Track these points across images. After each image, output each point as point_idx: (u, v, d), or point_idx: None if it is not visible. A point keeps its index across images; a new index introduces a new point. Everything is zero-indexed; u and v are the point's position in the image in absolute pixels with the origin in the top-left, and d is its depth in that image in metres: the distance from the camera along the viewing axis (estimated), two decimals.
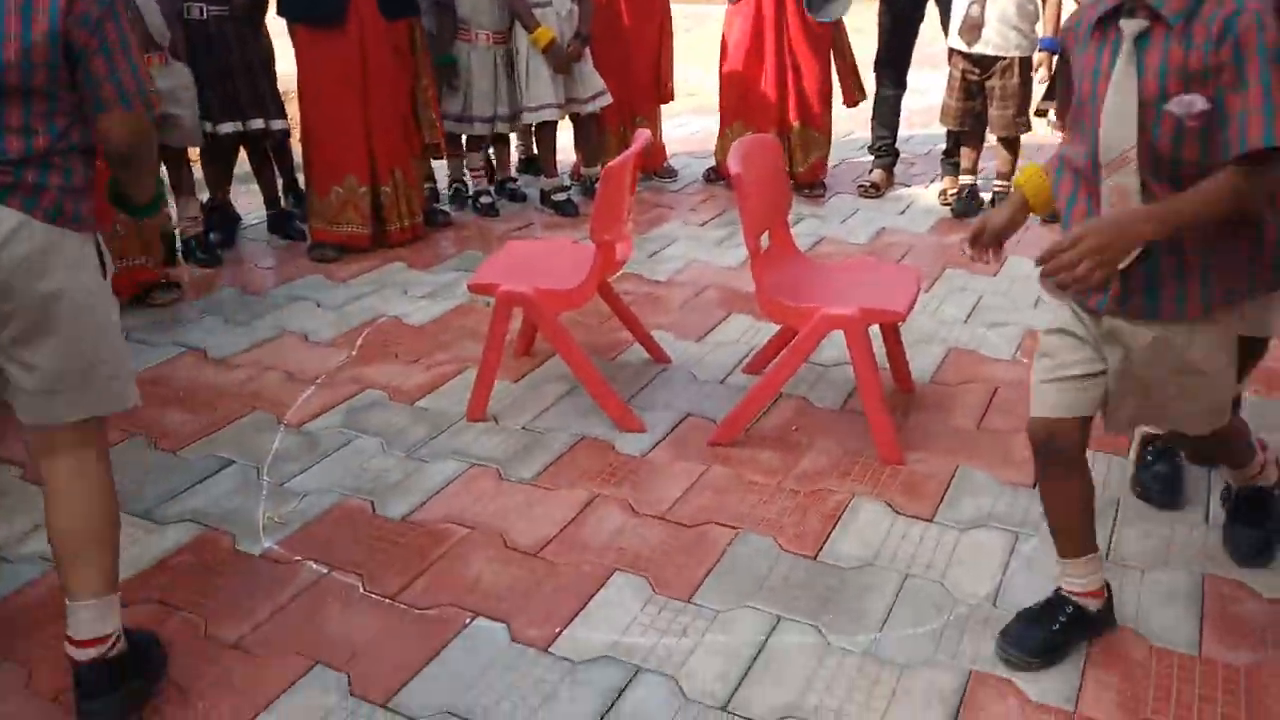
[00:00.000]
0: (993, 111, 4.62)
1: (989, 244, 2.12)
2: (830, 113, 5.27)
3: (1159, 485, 2.58)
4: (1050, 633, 2.07)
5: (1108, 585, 2.15)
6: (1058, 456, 2.05)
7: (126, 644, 2.02)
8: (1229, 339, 1.95)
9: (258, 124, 4.48)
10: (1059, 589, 2.12)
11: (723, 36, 5.31)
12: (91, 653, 1.97)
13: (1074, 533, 2.10)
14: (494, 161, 5.52)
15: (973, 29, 4.43)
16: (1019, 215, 2.12)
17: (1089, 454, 2.13)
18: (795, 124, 5.15)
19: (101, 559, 1.99)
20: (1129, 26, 1.80)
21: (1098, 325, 1.98)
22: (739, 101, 5.23)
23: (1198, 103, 1.73)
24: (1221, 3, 1.72)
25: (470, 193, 5.24)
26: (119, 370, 2.00)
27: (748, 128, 5.24)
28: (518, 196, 5.40)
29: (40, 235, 1.83)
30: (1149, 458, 2.63)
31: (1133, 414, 2.06)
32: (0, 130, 1.78)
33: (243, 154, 4.77)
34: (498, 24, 4.84)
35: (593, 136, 5.29)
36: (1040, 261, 1.78)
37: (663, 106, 5.72)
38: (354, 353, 3.61)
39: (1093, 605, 2.10)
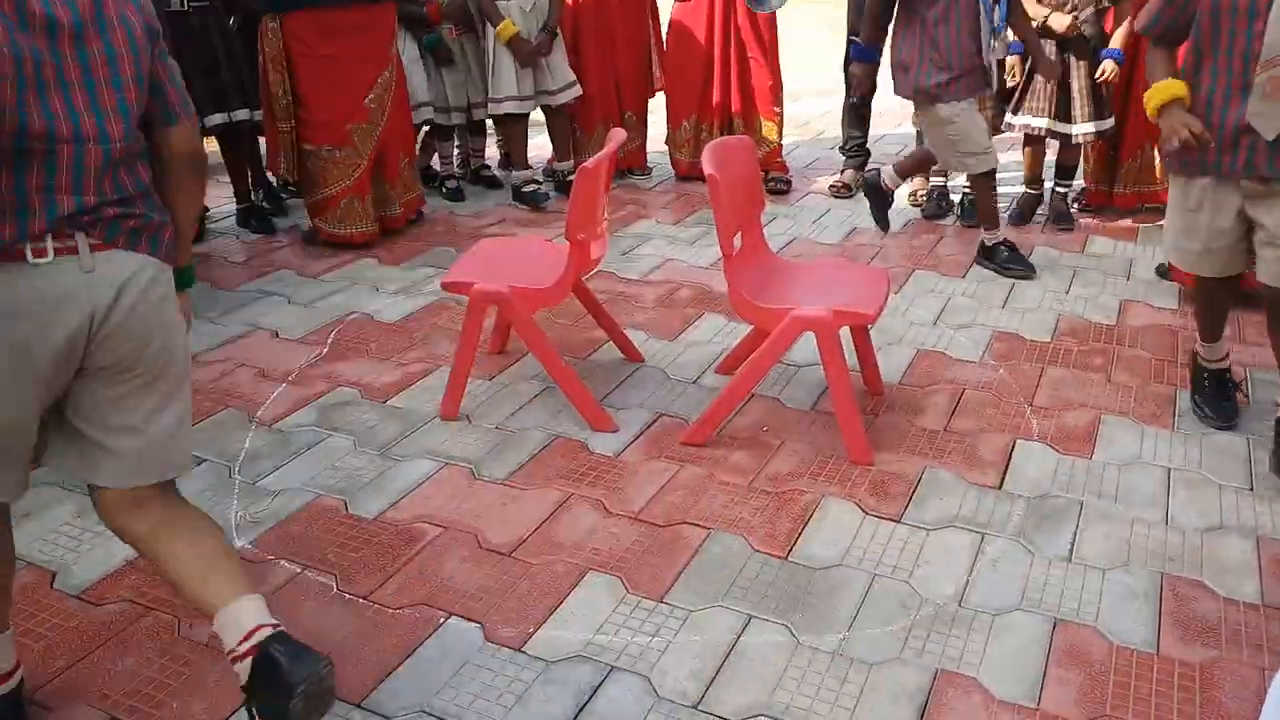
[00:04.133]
0: None
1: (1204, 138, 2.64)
2: (781, 105, 5.39)
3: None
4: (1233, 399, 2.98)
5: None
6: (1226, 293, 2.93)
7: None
8: None
9: (242, 114, 4.47)
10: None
11: (668, 35, 5.38)
12: None
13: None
14: (469, 149, 5.57)
15: None
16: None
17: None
18: (744, 118, 5.29)
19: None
20: None
21: (1235, 192, 2.64)
22: (689, 98, 5.31)
23: None
24: None
25: (439, 178, 5.31)
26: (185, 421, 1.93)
27: (700, 123, 5.33)
28: (494, 184, 5.45)
29: (166, 278, 1.81)
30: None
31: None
32: (130, 178, 1.74)
33: (211, 146, 4.76)
34: (461, 15, 4.90)
35: (564, 130, 5.31)
36: None
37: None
38: (325, 350, 3.61)
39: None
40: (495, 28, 4.80)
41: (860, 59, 4.32)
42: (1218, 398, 3.02)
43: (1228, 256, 2.77)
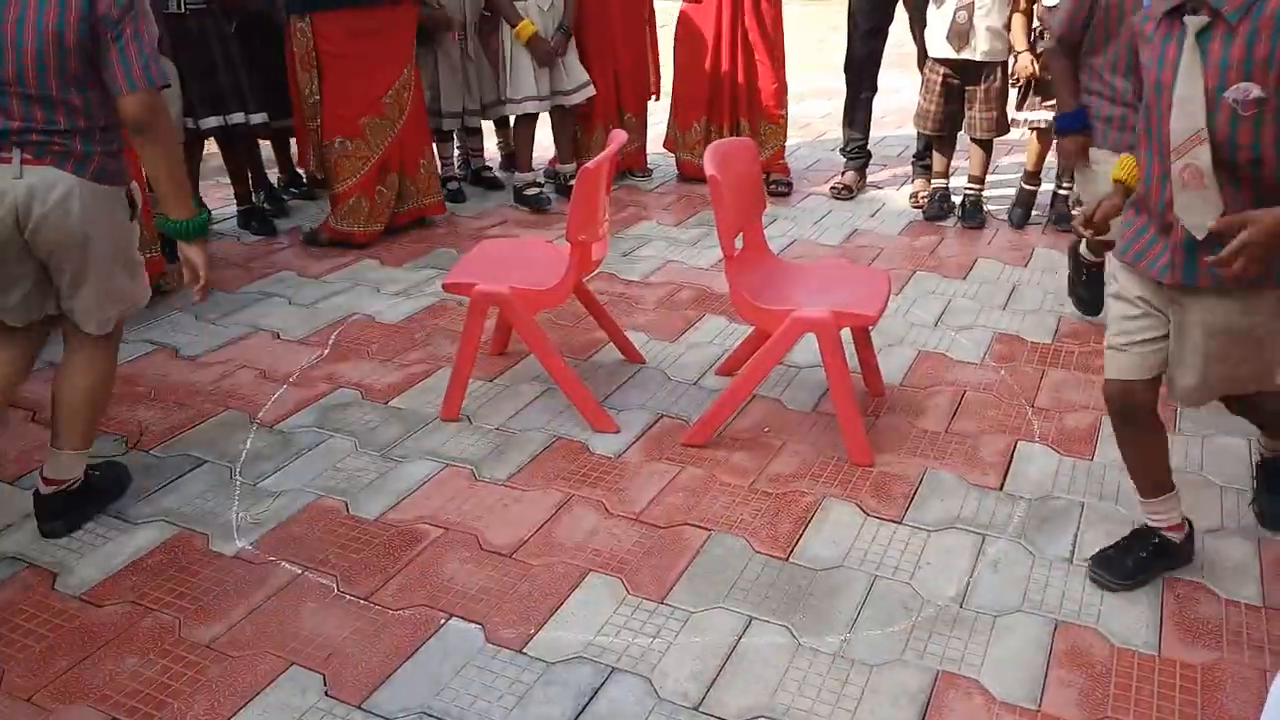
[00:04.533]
0: (974, 114, 4.68)
1: (1101, 229, 2.33)
2: (786, 106, 5.43)
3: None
4: (1138, 559, 2.34)
5: (1188, 521, 2.39)
6: (1131, 414, 2.28)
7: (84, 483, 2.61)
8: None
9: (238, 117, 4.48)
10: (1145, 523, 2.37)
11: (676, 35, 5.38)
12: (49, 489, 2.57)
13: (1151, 477, 2.35)
14: (468, 150, 5.58)
15: (961, 35, 4.51)
16: (1121, 203, 2.32)
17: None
18: (749, 118, 5.31)
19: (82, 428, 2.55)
20: (1192, 22, 1.99)
21: (1159, 292, 2.19)
22: (700, 99, 5.32)
23: (1252, 90, 1.92)
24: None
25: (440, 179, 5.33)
26: (135, 287, 2.56)
27: (710, 125, 5.33)
28: (495, 185, 5.45)
29: (92, 195, 2.33)
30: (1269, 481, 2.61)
31: (1196, 384, 2.20)
32: (49, 110, 2.27)
33: (213, 147, 4.78)
34: (460, 21, 4.89)
35: (571, 132, 5.31)
36: (1213, 232, 1.98)
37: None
38: (326, 351, 3.61)
39: (1175, 537, 2.36)
40: (513, 27, 4.80)
41: (1068, 129, 3.36)
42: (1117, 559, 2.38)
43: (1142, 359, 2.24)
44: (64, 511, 2.57)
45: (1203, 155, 1.99)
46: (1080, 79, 3.33)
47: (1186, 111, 2.00)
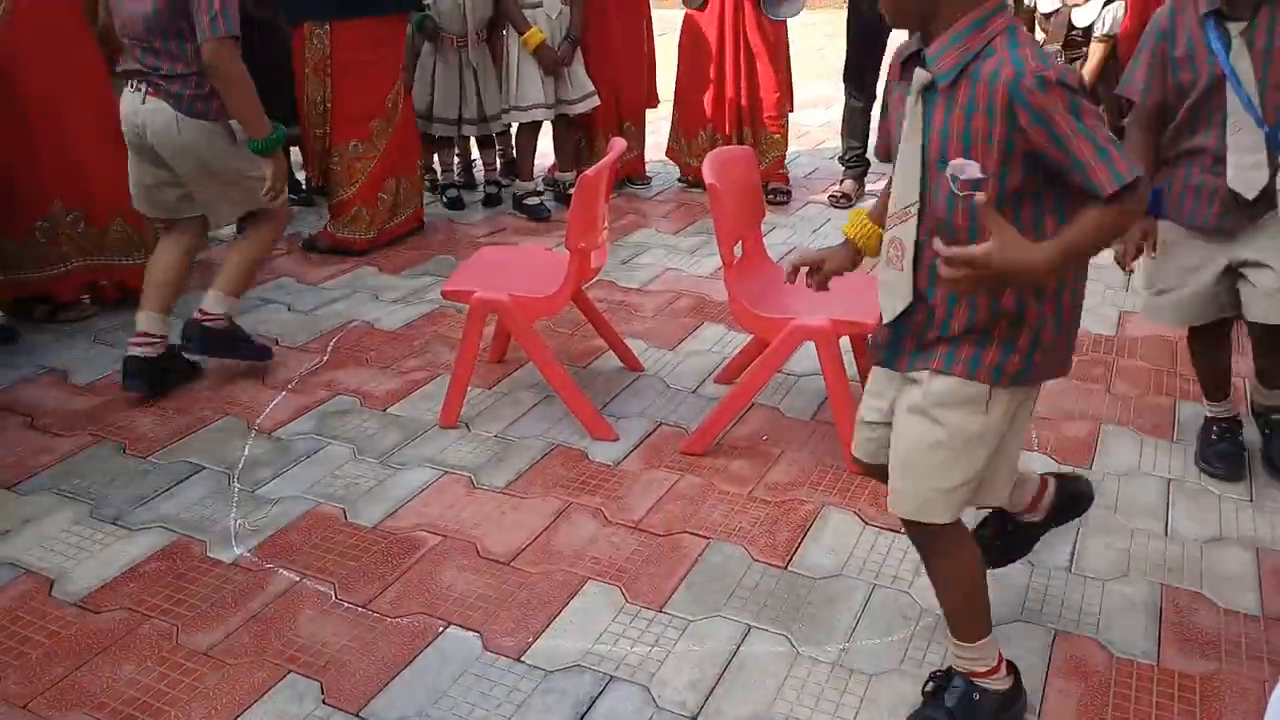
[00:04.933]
0: None
1: (820, 283, 2.08)
2: (788, 115, 5.44)
3: (1223, 462, 2.77)
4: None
5: (1011, 665, 2.00)
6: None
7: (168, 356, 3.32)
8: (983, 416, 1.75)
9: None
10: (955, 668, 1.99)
11: (681, 42, 5.38)
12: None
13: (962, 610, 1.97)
14: (474, 160, 5.59)
15: None
16: (850, 261, 2.09)
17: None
18: (751, 127, 5.33)
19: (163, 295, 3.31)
20: (917, 77, 1.65)
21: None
22: (703, 106, 5.32)
23: (969, 169, 1.56)
24: (998, 64, 1.57)
25: (440, 184, 5.36)
26: (253, 197, 3.28)
27: (715, 133, 5.34)
28: (494, 202, 5.38)
29: (186, 124, 3.09)
30: (1214, 436, 2.79)
31: (895, 485, 1.86)
32: (159, 59, 3.05)
33: None
34: (461, 28, 4.89)
35: (573, 141, 5.32)
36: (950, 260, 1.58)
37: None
38: (325, 358, 3.60)
39: (996, 685, 1.95)
40: (521, 35, 4.81)
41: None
42: None
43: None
44: (203, 339, 3.30)
45: (908, 232, 1.71)
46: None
47: (904, 179, 1.70)
